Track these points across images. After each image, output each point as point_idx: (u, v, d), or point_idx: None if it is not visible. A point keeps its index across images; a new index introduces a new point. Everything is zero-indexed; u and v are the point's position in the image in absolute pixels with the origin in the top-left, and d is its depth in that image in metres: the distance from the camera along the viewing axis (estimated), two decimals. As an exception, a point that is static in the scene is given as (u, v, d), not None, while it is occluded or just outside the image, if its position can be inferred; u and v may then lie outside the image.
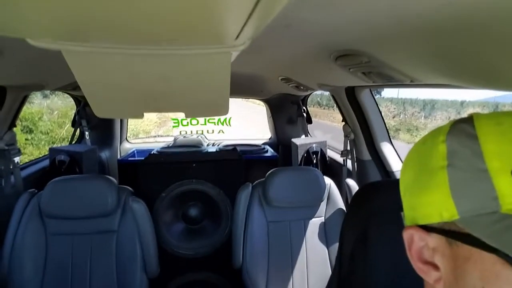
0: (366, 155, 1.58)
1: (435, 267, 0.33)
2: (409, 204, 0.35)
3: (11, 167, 1.48)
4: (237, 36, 0.32)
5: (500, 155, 0.28)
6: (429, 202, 0.32)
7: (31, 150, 5.69)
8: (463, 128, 0.31)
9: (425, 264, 0.33)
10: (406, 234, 0.35)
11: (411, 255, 0.35)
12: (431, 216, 0.32)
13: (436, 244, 0.32)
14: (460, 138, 0.31)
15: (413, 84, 0.89)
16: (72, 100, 2.31)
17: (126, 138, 2.74)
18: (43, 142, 6.15)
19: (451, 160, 0.30)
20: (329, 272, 1.43)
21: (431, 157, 0.32)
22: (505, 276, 0.26)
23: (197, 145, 2.28)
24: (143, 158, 1.84)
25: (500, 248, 0.26)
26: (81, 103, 2.19)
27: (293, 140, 2.10)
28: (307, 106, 2.40)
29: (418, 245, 0.34)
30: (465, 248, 0.29)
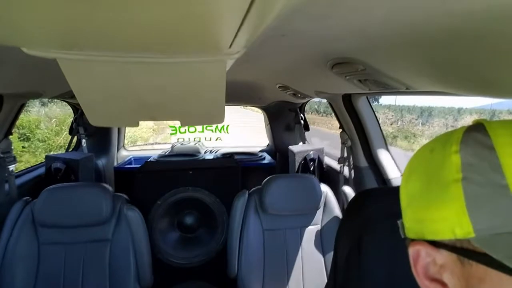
0: (363, 162, 1.58)
1: (443, 284, 0.31)
2: (414, 217, 0.33)
3: (6, 175, 1.47)
4: (231, 45, 0.33)
5: None
6: (440, 217, 0.30)
7: (27, 158, 5.66)
8: (478, 138, 0.29)
9: (432, 281, 0.32)
10: (412, 250, 0.33)
11: (416, 272, 0.33)
12: (442, 232, 0.29)
13: (445, 261, 0.30)
14: (476, 149, 0.29)
15: (408, 91, 0.90)
16: (70, 108, 2.31)
17: (124, 145, 2.73)
18: (40, 150, 6.12)
19: (466, 173, 0.28)
20: (325, 280, 1.41)
21: (442, 168, 0.30)
22: None
23: (195, 152, 2.27)
24: (139, 166, 1.83)
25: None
26: (79, 111, 2.19)
27: (290, 147, 2.10)
28: (305, 113, 2.40)
29: (425, 261, 0.32)
30: (480, 268, 0.27)
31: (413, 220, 0.33)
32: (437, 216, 0.30)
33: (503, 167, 0.26)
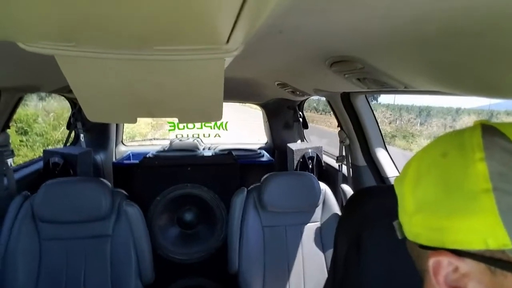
0: (361, 161, 1.59)
1: None
2: (428, 224, 0.32)
3: (4, 168, 1.47)
4: (228, 40, 0.33)
5: None
6: (467, 227, 0.29)
7: (25, 152, 5.65)
8: (501, 144, 0.29)
9: None
10: (433, 261, 0.32)
11: (438, 282, 0.32)
12: (470, 242, 0.29)
13: (470, 269, 0.30)
14: (503, 157, 0.28)
15: (407, 90, 0.90)
16: (68, 102, 2.30)
17: (122, 141, 2.73)
18: (37, 144, 6.11)
19: (496, 183, 0.28)
20: (326, 276, 1.42)
21: (465, 177, 0.29)
22: None
23: (193, 149, 2.27)
24: (138, 161, 1.83)
25: None
26: (77, 106, 2.18)
27: (289, 145, 2.10)
28: (304, 111, 2.40)
29: (446, 270, 0.31)
30: (510, 277, 0.27)
31: (426, 227, 0.33)
32: (463, 226, 0.29)
33: None
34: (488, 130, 0.31)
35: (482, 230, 0.28)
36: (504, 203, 0.27)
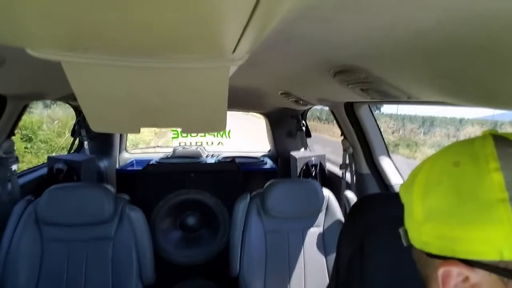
0: (365, 169, 1.58)
1: None
2: (439, 233, 0.32)
3: (9, 174, 1.48)
4: (234, 50, 0.33)
5: None
6: (481, 238, 0.28)
7: (30, 159, 5.67)
8: None
9: None
10: (442, 271, 0.31)
11: None
12: (483, 253, 0.28)
13: (481, 280, 0.29)
14: None
15: (410, 101, 0.90)
16: (73, 110, 2.32)
17: (125, 148, 2.74)
18: (42, 151, 6.14)
19: None
20: (327, 281, 1.41)
21: (480, 186, 0.29)
22: None
23: (196, 156, 2.28)
24: (141, 168, 1.83)
25: None
26: (81, 113, 2.19)
27: (292, 153, 2.10)
28: (307, 120, 2.41)
29: (456, 281, 0.31)
30: None
31: (437, 236, 0.32)
32: (477, 236, 0.29)
33: None
34: (500, 140, 0.31)
35: (497, 241, 0.27)
36: None
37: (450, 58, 0.51)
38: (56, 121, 6.96)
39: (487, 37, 0.41)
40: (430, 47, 0.50)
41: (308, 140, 2.45)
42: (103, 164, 2.32)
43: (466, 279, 0.30)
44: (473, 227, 0.29)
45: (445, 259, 0.31)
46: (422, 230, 0.34)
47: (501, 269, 0.28)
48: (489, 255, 0.28)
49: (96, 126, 0.54)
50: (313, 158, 2.03)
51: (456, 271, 0.31)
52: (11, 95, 1.30)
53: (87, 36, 0.31)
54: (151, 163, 1.97)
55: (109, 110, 0.53)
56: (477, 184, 0.29)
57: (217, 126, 0.60)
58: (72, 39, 0.33)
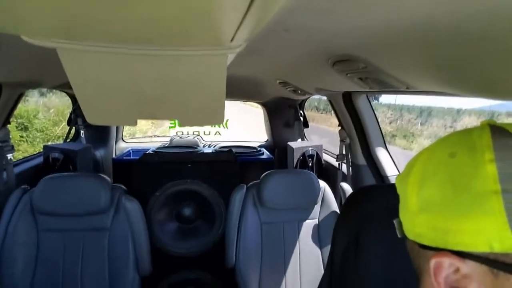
0: (361, 160, 1.59)
1: None
2: (432, 225, 0.32)
3: (4, 163, 1.47)
4: (233, 38, 0.32)
5: None
6: (473, 230, 0.29)
7: (25, 147, 5.65)
8: (509, 145, 0.28)
9: None
10: (434, 262, 0.32)
11: (438, 283, 0.32)
12: (474, 244, 0.29)
13: (471, 271, 0.30)
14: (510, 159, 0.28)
15: (408, 90, 0.90)
16: (69, 98, 2.30)
17: (122, 137, 2.73)
18: (38, 140, 6.11)
19: (506, 184, 0.27)
20: (322, 272, 1.43)
21: (474, 178, 0.29)
22: None
23: (193, 146, 2.28)
24: (138, 158, 1.83)
25: None
26: (77, 102, 2.17)
27: (289, 143, 2.10)
28: (305, 110, 2.40)
29: (447, 272, 0.31)
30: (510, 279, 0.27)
31: (430, 227, 0.32)
32: (469, 227, 0.29)
33: None
34: (497, 131, 0.30)
35: (488, 232, 0.28)
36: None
37: (449, 48, 0.51)
38: (52, 110, 6.91)
39: (486, 27, 0.41)
40: (428, 36, 0.50)
41: (306, 130, 2.46)
42: (99, 153, 2.31)
43: (457, 270, 0.31)
44: (466, 219, 0.29)
45: (437, 250, 0.31)
46: (416, 221, 0.34)
47: (491, 260, 0.28)
48: (480, 247, 0.28)
49: (92, 117, 0.54)
50: (310, 149, 2.03)
51: (448, 262, 0.31)
52: (7, 83, 1.29)
53: (83, 23, 0.31)
54: (147, 152, 1.97)
55: (105, 100, 0.52)
56: (471, 175, 0.29)
57: (215, 118, 0.60)
58: (68, 26, 0.32)
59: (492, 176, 0.28)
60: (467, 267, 0.30)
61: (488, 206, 0.28)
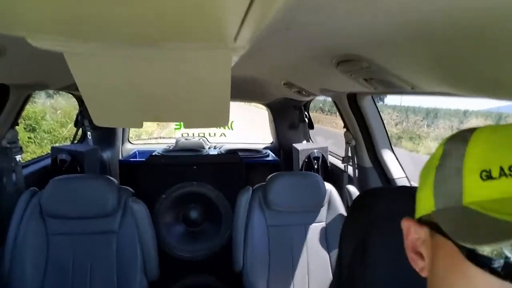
0: (367, 162, 1.58)
1: (422, 256, 0.36)
2: (416, 197, 0.38)
3: (13, 165, 1.48)
4: (236, 37, 0.33)
5: (478, 157, 0.30)
6: (422, 197, 0.35)
7: (33, 149, 5.71)
8: (463, 135, 0.33)
9: (415, 253, 0.36)
10: (403, 225, 0.37)
11: (406, 245, 0.37)
12: (421, 210, 0.35)
13: (424, 236, 0.35)
14: (456, 142, 0.33)
15: (414, 91, 0.89)
16: (76, 100, 2.33)
17: (128, 139, 2.75)
18: (45, 141, 6.17)
19: (442, 161, 0.33)
20: (330, 276, 1.42)
21: (432, 158, 0.35)
22: (460, 269, 0.29)
23: (199, 148, 2.28)
24: (144, 159, 1.84)
25: (455, 239, 0.28)
26: (84, 104, 2.19)
27: (295, 145, 2.10)
28: (309, 112, 2.40)
29: (414, 237, 0.36)
30: (438, 238, 0.32)
31: (416, 200, 0.38)
32: (420, 196, 0.35)
33: (466, 155, 0.31)
34: (472, 128, 0.34)
35: (426, 198, 0.34)
36: (438, 175, 0.33)
37: (454, 47, 0.50)
38: (59, 111, 6.98)
39: (491, 27, 0.41)
40: (433, 36, 0.50)
41: (311, 131, 2.45)
42: (106, 155, 2.33)
43: (419, 237, 0.36)
44: (420, 189, 0.36)
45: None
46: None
47: (429, 222, 0.33)
48: (422, 211, 0.34)
49: (99, 120, 0.54)
50: (315, 151, 2.02)
51: (413, 229, 0.36)
52: (14, 85, 1.30)
53: (89, 26, 0.31)
54: (153, 154, 1.98)
55: (111, 102, 0.52)
56: (432, 157, 0.35)
57: (220, 120, 0.60)
58: (74, 28, 0.32)
59: (438, 155, 0.34)
60: (423, 232, 0.35)
61: (429, 178, 0.34)
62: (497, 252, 0.26)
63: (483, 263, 0.27)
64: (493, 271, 0.26)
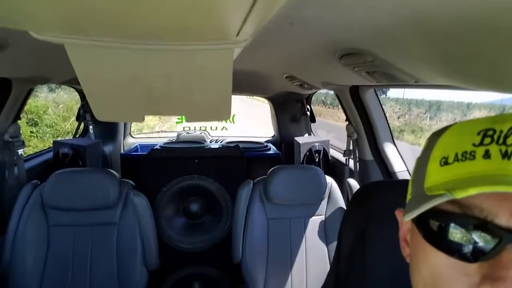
0: (369, 155, 1.58)
1: (408, 244, 0.38)
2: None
3: (15, 158, 1.49)
4: (238, 32, 0.32)
5: (442, 147, 0.32)
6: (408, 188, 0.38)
7: (35, 143, 5.73)
8: (444, 128, 0.35)
9: (404, 241, 0.39)
10: (398, 216, 0.40)
11: (400, 234, 0.40)
12: (407, 199, 0.37)
13: (410, 224, 0.37)
14: (435, 135, 0.35)
15: (417, 84, 0.89)
16: (77, 94, 2.33)
17: (130, 133, 2.75)
18: (47, 135, 6.19)
19: (422, 153, 0.36)
20: (328, 268, 1.43)
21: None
22: (422, 251, 0.31)
23: (200, 141, 2.28)
24: (146, 153, 1.84)
25: (415, 224, 0.32)
26: (86, 98, 2.19)
27: (296, 138, 2.10)
28: (311, 105, 2.39)
29: (405, 227, 0.39)
30: (412, 224, 0.34)
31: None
32: (409, 189, 0.37)
33: (436, 145, 0.33)
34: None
35: (408, 189, 0.36)
36: (416, 165, 0.35)
37: (458, 40, 0.50)
38: (61, 105, 6.99)
39: (495, 19, 0.40)
40: (437, 29, 0.49)
41: (312, 125, 2.44)
42: (108, 148, 2.33)
43: (408, 226, 0.38)
44: (411, 182, 0.37)
45: None
46: None
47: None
48: (407, 201, 0.36)
49: (100, 114, 0.54)
50: (317, 144, 2.02)
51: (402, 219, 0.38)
52: (16, 79, 1.30)
53: (91, 19, 0.31)
54: (155, 147, 1.98)
55: (112, 96, 0.52)
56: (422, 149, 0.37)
57: (222, 113, 0.60)
58: (75, 21, 0.32)
59: (423, 147, 0.36)
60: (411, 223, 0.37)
61: (413, 169, 0.36)
62: (442, 229, 0.29)
63: (434, 240, 0.30)
64: (440, 247, 0.29)
